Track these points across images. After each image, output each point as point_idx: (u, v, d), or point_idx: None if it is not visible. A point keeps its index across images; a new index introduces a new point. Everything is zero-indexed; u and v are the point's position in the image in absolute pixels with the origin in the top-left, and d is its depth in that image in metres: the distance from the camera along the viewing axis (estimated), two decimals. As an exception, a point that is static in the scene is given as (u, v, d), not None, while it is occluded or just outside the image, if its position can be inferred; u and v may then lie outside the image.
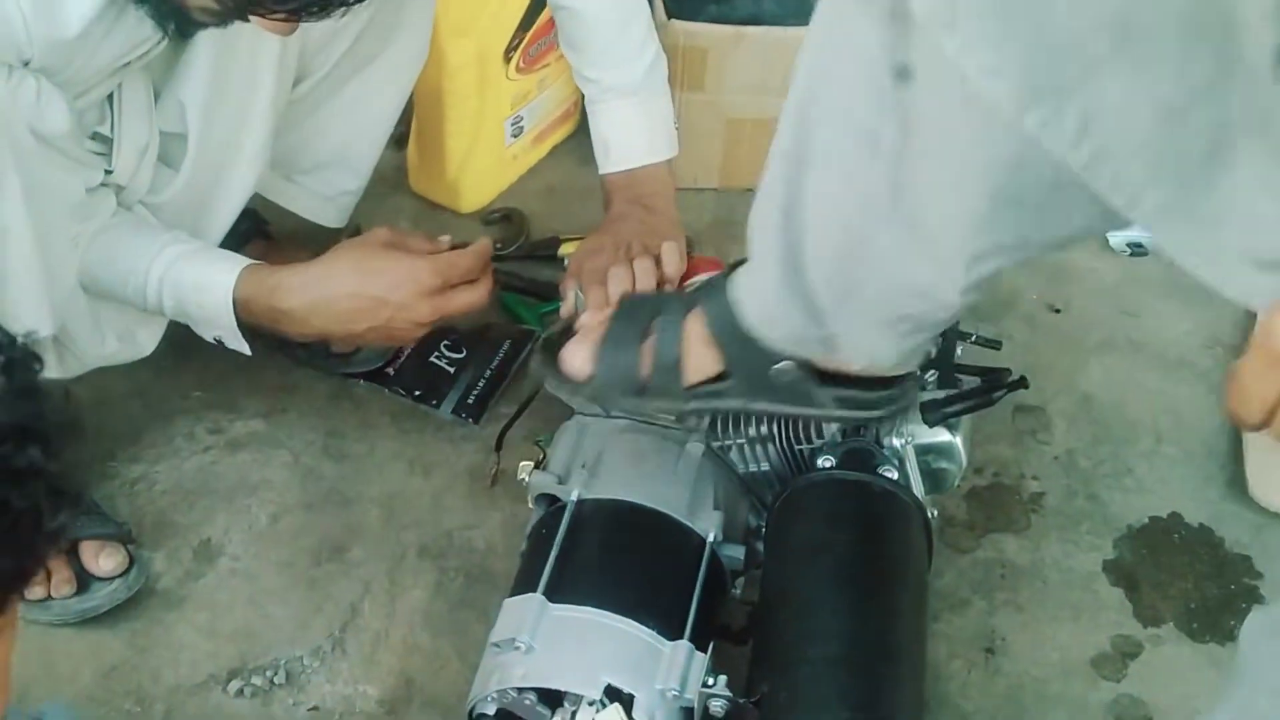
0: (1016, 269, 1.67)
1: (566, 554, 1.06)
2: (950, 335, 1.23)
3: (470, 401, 1.41)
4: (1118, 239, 1.70)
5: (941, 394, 1.13)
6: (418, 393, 1.42)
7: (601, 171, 1.38)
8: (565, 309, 1.26)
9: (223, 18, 1.00)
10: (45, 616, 1.16)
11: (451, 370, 1.43)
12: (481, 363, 1.44)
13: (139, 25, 1.03)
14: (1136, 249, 1.70)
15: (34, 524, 0.49)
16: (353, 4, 0.96)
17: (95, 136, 1.16)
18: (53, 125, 1.06)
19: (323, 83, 1.30)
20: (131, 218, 1.18)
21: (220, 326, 1.18)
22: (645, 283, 1.23)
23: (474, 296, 1.23)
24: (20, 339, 0.53)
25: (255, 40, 1.14)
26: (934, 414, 1.11)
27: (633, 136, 1.36)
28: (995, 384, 1.15)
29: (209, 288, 1.16)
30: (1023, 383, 1.18)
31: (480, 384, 1.43)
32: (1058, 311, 1.62)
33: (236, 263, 1.18)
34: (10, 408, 0.49)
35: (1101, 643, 1.27)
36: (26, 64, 1.01)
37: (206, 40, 1.12)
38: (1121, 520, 1.39)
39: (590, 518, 1.10)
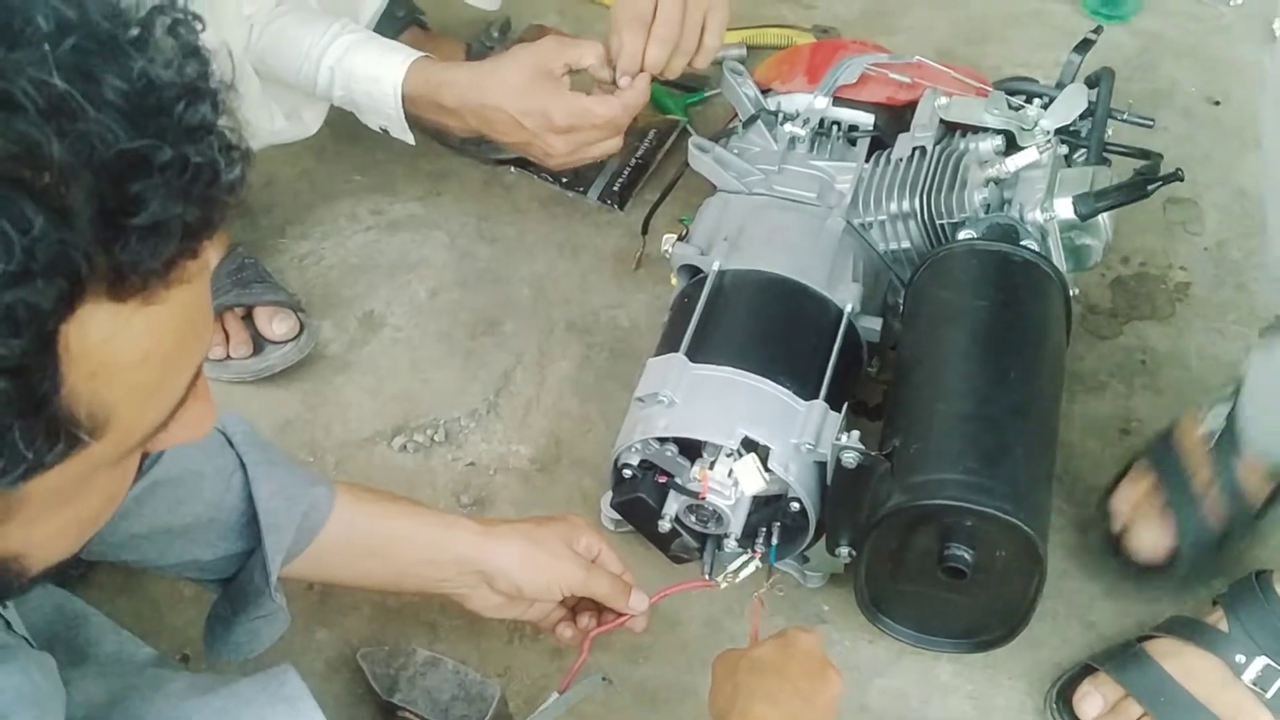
0: (1177, 60, 1.61)
1: (707, 319, 1.10)
2: (1101, 113, 1.21)
3: (616, 189, 1.45)
4: (1289, 28, 1.63)
5: (1093, 185, 1.12)
6: (565, 180, 1.46)
7: None
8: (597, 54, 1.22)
9: None
10: (225, 375, 1.25)
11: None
12: (627, 152, 1.47)
13: None
14: (1309, 38, 1.62)
15: (213, 177, 0.50)
16: None
17: (254, -80, 1.20)
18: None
19: None
20: (299, 3, 1.22)
21: (386, 116, 1.23)
22: (687, 43, 1.21)
23: (608, 148, 1.24)
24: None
25: None
26: (1086, 206, 1.10)
27: None
28: (1149, 176, 1.13)
29: (378, 78, 1.20)
30: (1177, 175, 1.14)
31: (625, 172, 1.46)
32: (1217, 104, 1.57)
33: (406, 55, 1.21)
34: (180, 67, 0.49)
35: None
36: None
37: None
38: (1270, 311, 1.36)
39: (731, 287, 1.13)
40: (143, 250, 0.48)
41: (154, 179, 0.47)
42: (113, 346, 0.49)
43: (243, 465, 0.91)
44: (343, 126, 1.36)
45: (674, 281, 1.23)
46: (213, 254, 0.54)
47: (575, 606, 1.05)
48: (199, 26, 0.52)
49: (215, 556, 0.92)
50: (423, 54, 1.23)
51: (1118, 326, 1.35)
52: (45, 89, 0.45)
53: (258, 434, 0.94)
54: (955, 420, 1.00)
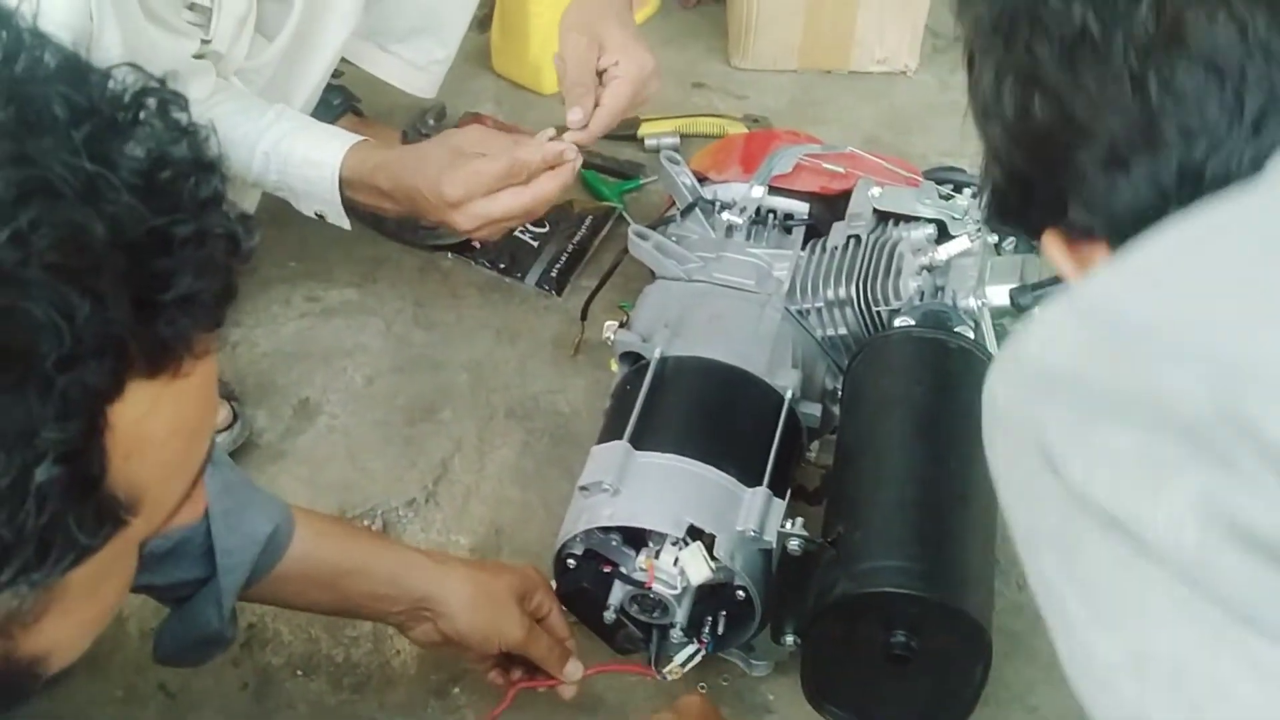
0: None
1: (651, 406, 1.10)
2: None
3: (553, 274, 1.46)
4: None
5: (1023, 273, 1.15)
6: (502, 265, 1.46)
7: None
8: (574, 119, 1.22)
9: None
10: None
11: (535, 244, 1.48)
12: (563, 237, 1.48)
13: None
14: None
15: (234, 246, 0.51)
16: None
17: (192, 7, 1.20)
18: (155, -10, 1.10)
19: None
20: (234, 92, 1.22)
21: (323, 201, 1.23)
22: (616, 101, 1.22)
23: (519, 201, 1.19)
24: (167, 81, 0.53)
25: None
26: (1024, 298, 1.13)
27: None
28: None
29: (317, 163, 1.20)
30: None
31: (563, 258, 1.47)
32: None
33: (344, 139, 1.21)
34: (183, 143, 0.51)
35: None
36: (132, -70, 1.06)
37: None
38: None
39: (673, 373, 1.14)
40: (177, 325, 0.49)
41: (179, 254, 0.49)
42: (147, 424, 0.50)
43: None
44: (276, 212, 1.35)
45: (614, 368, 1.23)
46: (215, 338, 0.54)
47: (511, 654, 1.05)
48: (184, 104, 0.53)
49: (170, 582, 0.92)
50: (360, 138, 1.23)
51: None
52: (79, 173, 0.46)
53: (220, 457, 0.93)
54: (898, 507, 1.01)
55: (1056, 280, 1.15)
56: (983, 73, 0.63)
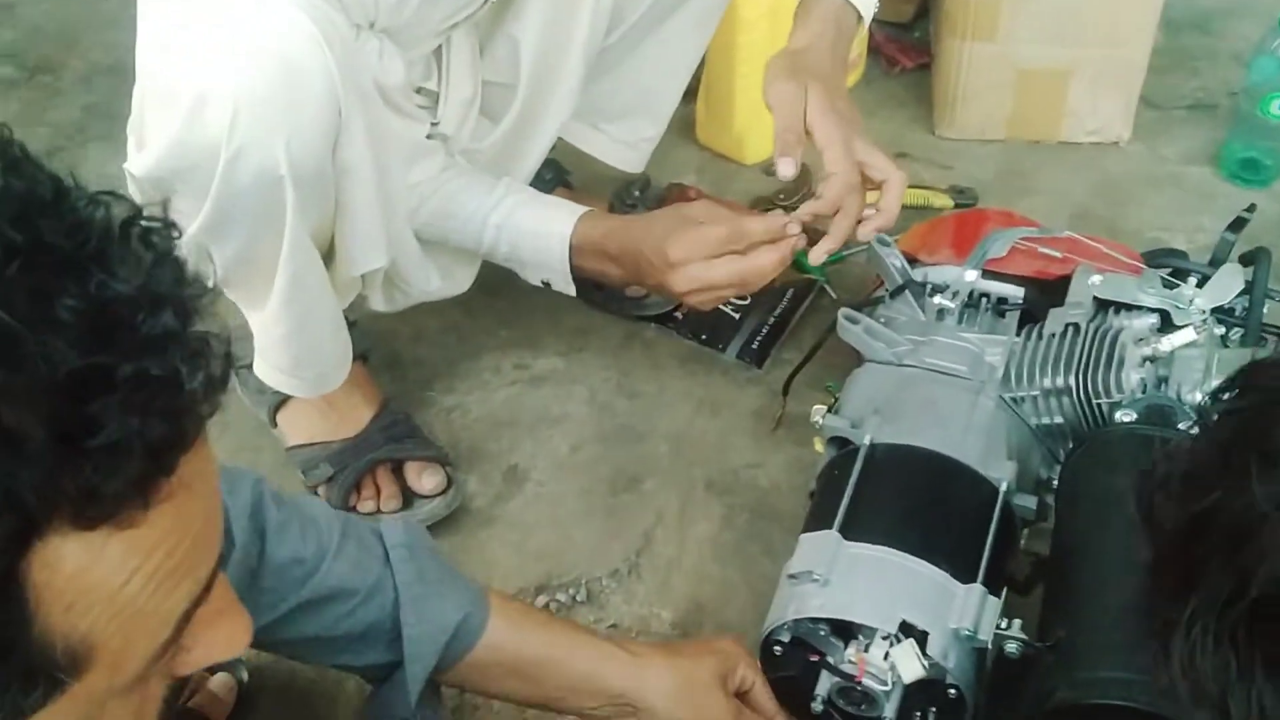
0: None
1: (860, 494, 1.09)
2: (1258, 293, 1.20)
3: (754, 346, 1.47)
4: None
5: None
6: (704, 337, 1.48)
7: None
8: (787, 168, 1.17)
9: None
10: (375, 529, 1.27)
11: (736, 316, 1.49)
12: (765, 310, 1.49)
13: None
14: None
15: (175, 389, 0.47)
16: None
17: (420, 91, 1.26)
18: (391, 79, 1.16)
19: (632, 30, 1.35)
20: (462, 169, 1.27)
21: (552, 270, 1.26)
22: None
23: (735, 269, 1.18)
24: (155, 207, 0.50)
25: None
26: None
27: None
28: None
29: (547, 233, 1.24)
30: None
31: (764, 330, 1.48)
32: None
33: (572, 209, 1.25)
34: (148, 277, 0.47)
35: None
36: (372, 25, 1.11)
37: None
38: None
39: (883, 461, 1.13)
40: (102, 474, 0.45)
41: (110, 397, 0.45)
42: (89, 576, 0.47)
43: (395, 586, 0.93)
44: (489, 281, 1.40)
45: (819, 448, 1.22)
46: (210, 465, 0.51)
47: None
48: (174, 234, 0.51)
49: (365, 664, 0.95)
50: (587, 208, 1.27)
51: None
52: (6, 310, 0.43)
53: (420, 541, 0.96)
54: (1120, 615, 0.97)
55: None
56: None
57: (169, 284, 0.49)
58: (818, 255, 1.21)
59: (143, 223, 0.49)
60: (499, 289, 1.43)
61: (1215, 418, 0.59)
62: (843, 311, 1.24)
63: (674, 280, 1.20)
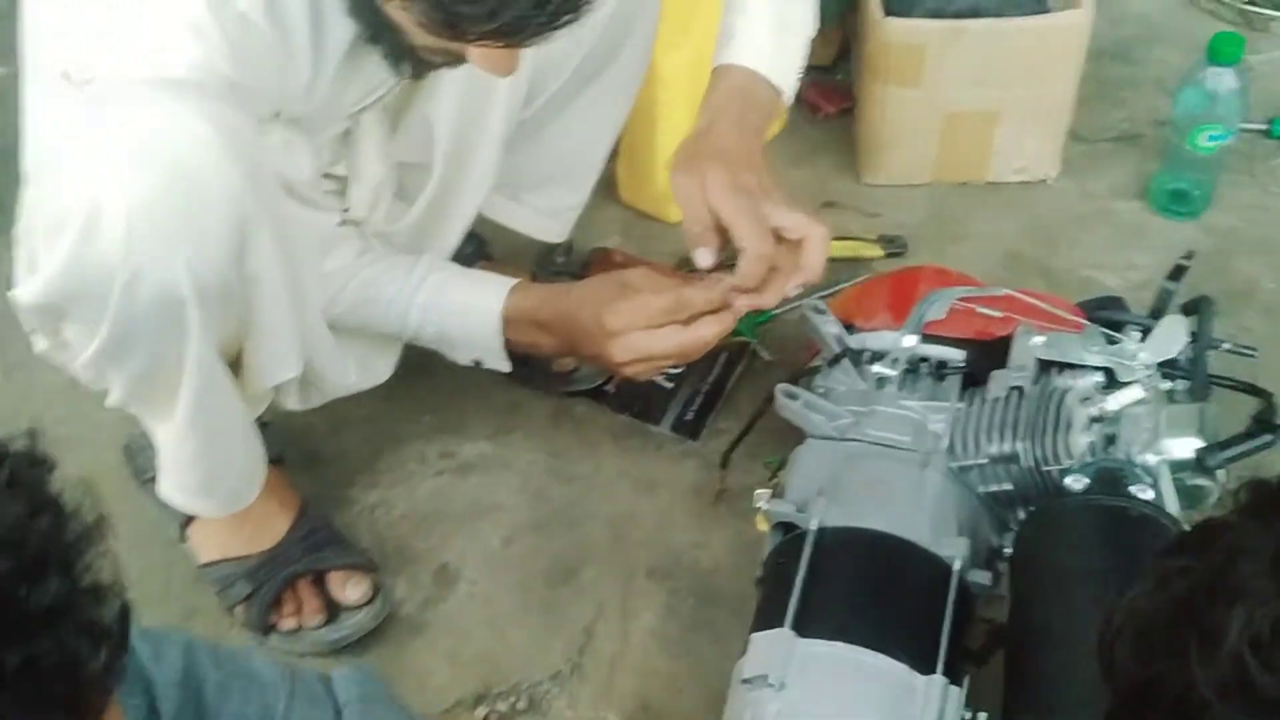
0: (1251, 257, 1.57)
1: (811, 586, 1.04)
2: (1203, 344, 1.16)
3: (688, 419, 1.41)
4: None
5: (1202, 422, 1.08)
6: (636, 409, 1.42)
7: (718, 62, 1.18)
8: (703, 258, 1.12)
9: (453, 59, 1.01)
10: (299, 648, 1.20)
11: (669, 386, 1.43)
12: (698, 378, 1.43)
13: (377, 70, 1.05)
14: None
15: (73, 672, 0.41)
16: (561, 25, 0.90)
17: (329, 176, 1.19)
18: (298, 173, 1.10)
19: (551, 99, 1.30)
20: (380, 253, 1.20)
21: (483, 347, 1.20)
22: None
23: (677, 340, 1.13)
24: (17, 440, 0.45)
25: None
26: (1213, 458, 1.06)
27: (763, 38, 1.17)
28: (1269, 424, 1.09)
29: (476, 310, 1.18)
30: None
31: (697, 400, 1.42)
32: (1301, 300, 1.52)
33: (501, 282, 1.20)
34: (22, 533, 0.41)
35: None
36: (277, 115, 1.05)
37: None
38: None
39: (832, 547, 1.07)
40: None
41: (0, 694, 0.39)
42: None
43: None
44: (409, 362, 1.33)
45: (761, 526, 1.17)
46: None
47: None
48: (48, 468, 0.45)
49: None
50: (516, 279, 1.21)
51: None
52: None
53: (375, 692, 0.88)
54: (1089, 705, 0.93)
55: (1248, 437, 1.08)
56: None
57: (48, 538, 0.42)
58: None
59: (8, 463, 0.43)
60: (420, 371, 1.36)
61: (1167, 573, 0.54)
62: (780, 388, 1.19)
63: (613, 350, 1.15)
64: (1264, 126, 1.69)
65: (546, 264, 1.53)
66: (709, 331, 1.14)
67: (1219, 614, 0.49)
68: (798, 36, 1.21)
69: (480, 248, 1.46)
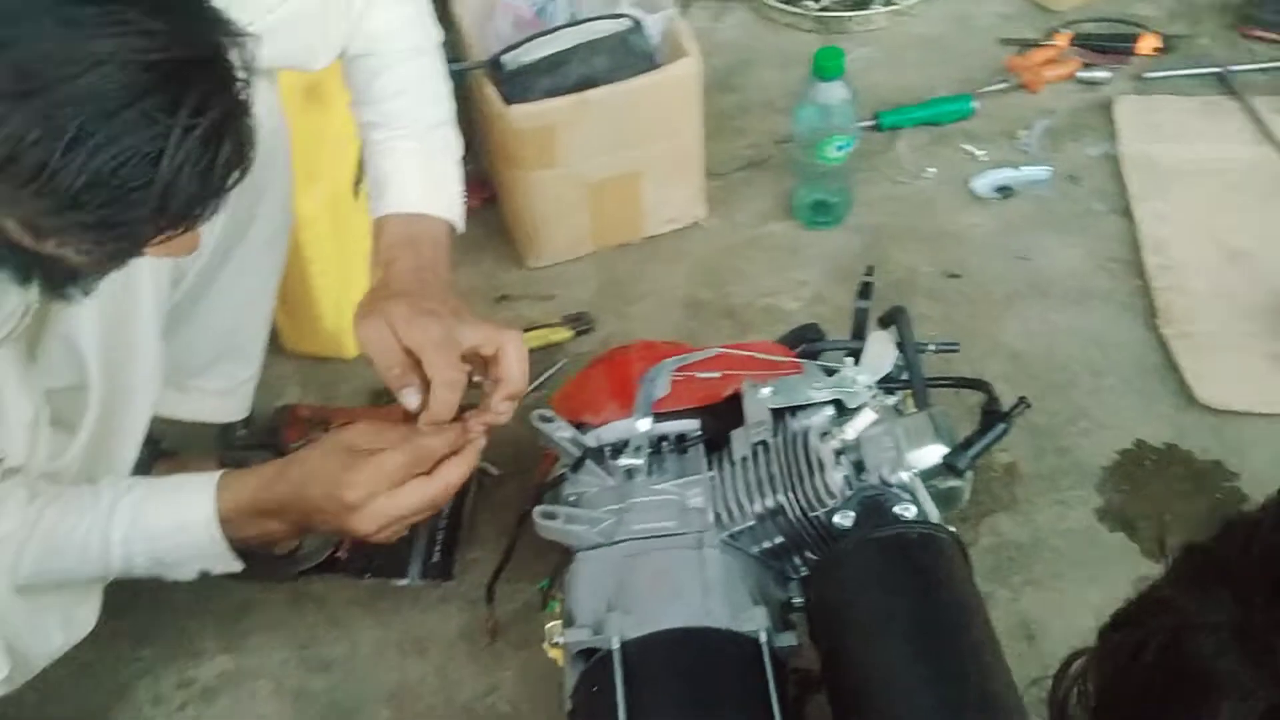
0: (902, 246, 1.67)
1: (636, 708, 0.99)
2: (911, 353, 1.21)
3: (435, 560, 1.33)
4: (983, 185, 1.73)
5: (935, 428, 1.11)
6: (377, 567, 1.32)
7: (378, 214, 1.16)
8: (410, 399, 1.09)
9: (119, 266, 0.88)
10: None
11: (406, 532, 1.34)
12: (433, 516, 1.35)
13: (3, 297, 0.91)
14: (1004, 191, 1.72)
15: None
16: (232, 186, 0.85)
17: (-34, 425, 1.03)
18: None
19: (199, 276, 1.20)
20: (54, 494, 1.05)
21: (208, 556, 1.08)
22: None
23: (426, 494, 1.08)
24: None
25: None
26: (960, 460, 1.10)
27: (414, 177, 1.17)
28: (1002, 412, 1.14)
29: (187, 523, 1.06)
30: (1025, 403, 1.16)
31: (439, 537, 1.35)
32: (956, 276, 1.63)
33: (203, 483, 1.07)
34: None
35: (1125, 590, 1.28)
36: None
37: None
38: (1094, 464, 1.41)
39: (639, 659, 1.03)
40: None
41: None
42: None
43: None
44: (108, 598, 1.17)
45: (552, 654, 1.11)
46: None
47: None
48: None
49: None
50: (219, 473, 1.09)
51: (974, 531, 1.35)
52: None
53: None
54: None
55: (985, 431, 1.12)
56: None
57: None
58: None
59: None
60: (122, 605, 1.20)
61: (1116, 646, 0.54)
62: (538, 511, 1.14)
63: (358, 522, 1.06)
64: (872, 122, 1.80)
65: (230, 442, 1.40)
66: (455, 475, 1.08)
67: (1209, 704, 0.48)
68: (447, 162, 1.18)
69: (154, 448, 1.31)
